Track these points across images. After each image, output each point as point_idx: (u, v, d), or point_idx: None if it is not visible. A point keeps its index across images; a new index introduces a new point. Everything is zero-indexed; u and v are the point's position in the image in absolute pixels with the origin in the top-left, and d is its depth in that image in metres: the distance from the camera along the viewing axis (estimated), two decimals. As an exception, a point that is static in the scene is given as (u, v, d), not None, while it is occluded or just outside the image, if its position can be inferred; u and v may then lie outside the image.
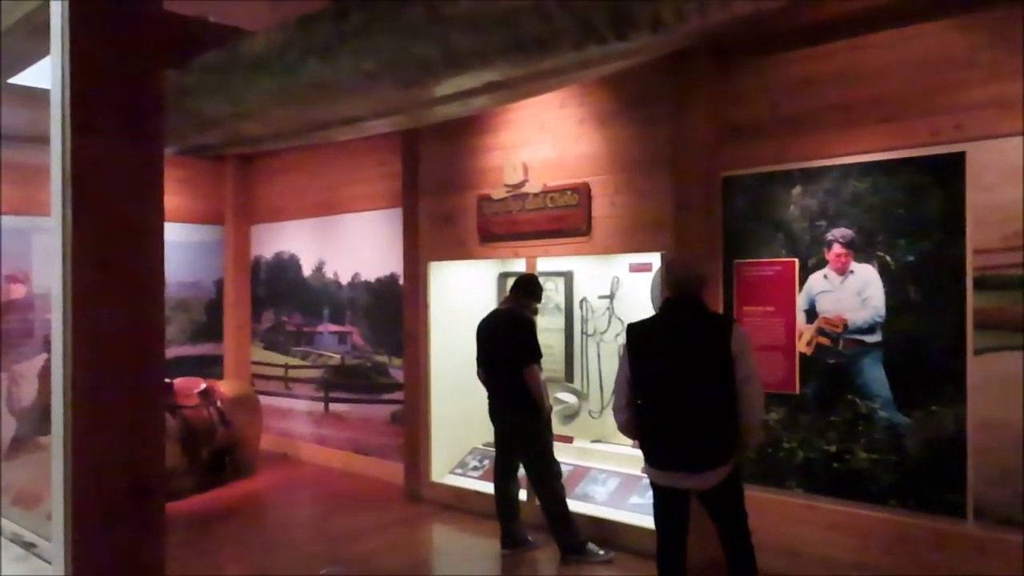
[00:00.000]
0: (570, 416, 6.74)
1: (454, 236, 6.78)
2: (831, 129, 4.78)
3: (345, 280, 8.26)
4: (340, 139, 6.92)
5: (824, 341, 4.81)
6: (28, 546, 2.45)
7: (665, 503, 3.90)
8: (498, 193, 6.39)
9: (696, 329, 3.85)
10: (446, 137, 6.75)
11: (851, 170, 4.71)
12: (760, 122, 5.07)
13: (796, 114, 4.92)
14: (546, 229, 6.08)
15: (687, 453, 3.75)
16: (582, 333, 6.85)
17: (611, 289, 6.65)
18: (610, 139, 5.76)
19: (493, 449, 5.76)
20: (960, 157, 4.32)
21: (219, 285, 9.47)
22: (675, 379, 3.77)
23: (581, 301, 6.85)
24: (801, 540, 4.83)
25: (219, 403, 7.52)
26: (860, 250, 4.67)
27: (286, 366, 8.93)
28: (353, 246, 8.17)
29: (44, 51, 1.92)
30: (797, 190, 4.92)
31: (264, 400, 8.58)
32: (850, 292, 4.70)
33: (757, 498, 4.62)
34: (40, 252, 7.15)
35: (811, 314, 4.87)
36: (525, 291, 5.56)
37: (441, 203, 6.89)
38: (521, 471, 5.59)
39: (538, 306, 5.71)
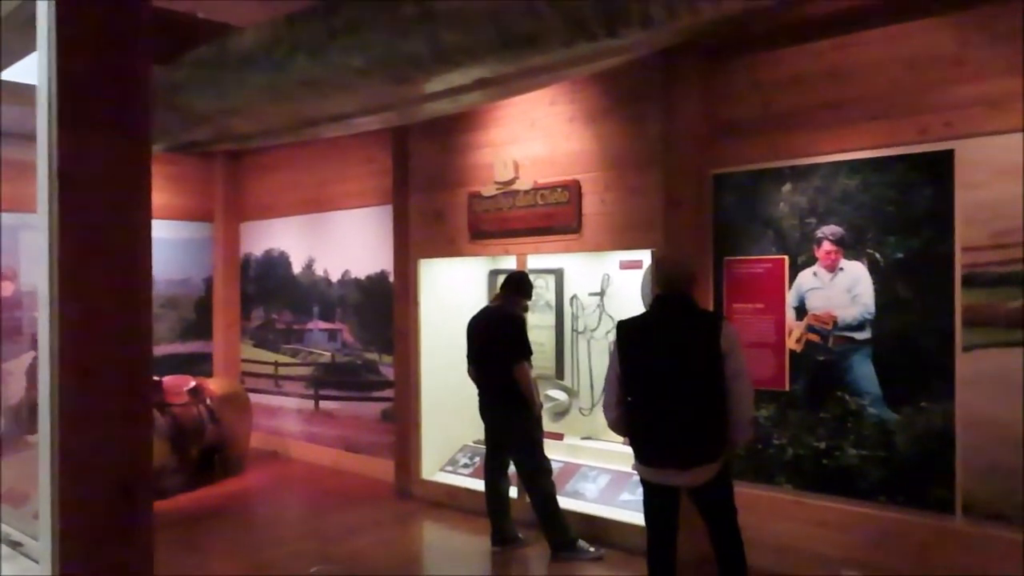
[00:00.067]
0: (561, 413, 6.74)
1: (444, 233, 6.77)
2: (821, 127, 4.79)
3: (335, 277, 8.24)
4: (330, 136, 6.91)
5: (814, 338, 4.83)
6: (15, 545, 2.43)
7: (655, 500, 3.91)
8: (488, 190, 6.38)
9: (686, 326, 3.85)
10: (436, 134, 6.73)
11: (841, 167, 4.72)
12: (750, 119, 5.08)
13: (786, 111, 4.93)
14: (536, 226, 6.08)
15: (677, 450, 3.75)
16: (572, 330, 6.85)
17: (601, 286, 6.66)
18: (601, 136, 5.76)
19: (484, 446, 5.76)
20: (949, 155, 4.33)
21: (208, 283, 9.44)
22: (665, 376, 3.77)
23: (571, 298, 6.85)
24: (790, 536, 4.85)
25: (208, 401, 7.50)
26: (850, 247, 4.68)
27: (276, 364, 8.90)
28: (343, 243, 8.15)
29: (31, 47, 1.91)
30: (787, 187, 4.93)
31: (254, 398, 8.56)
32: (840, 289, 4.72)
33: (747, 494, 4.64)
34: (27, 249, 7.11)
35: (801, 311, 4.88)
36: (515, 288, 5.56)
37: (431, 200, 6.88)
38: (512, 468, 5.59)
39: (528, 303, 5.71)
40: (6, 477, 3.03)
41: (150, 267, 1.96)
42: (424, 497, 6.81)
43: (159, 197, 8.61)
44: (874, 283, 4.59)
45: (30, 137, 1.89)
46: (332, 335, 8.26)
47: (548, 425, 6.04)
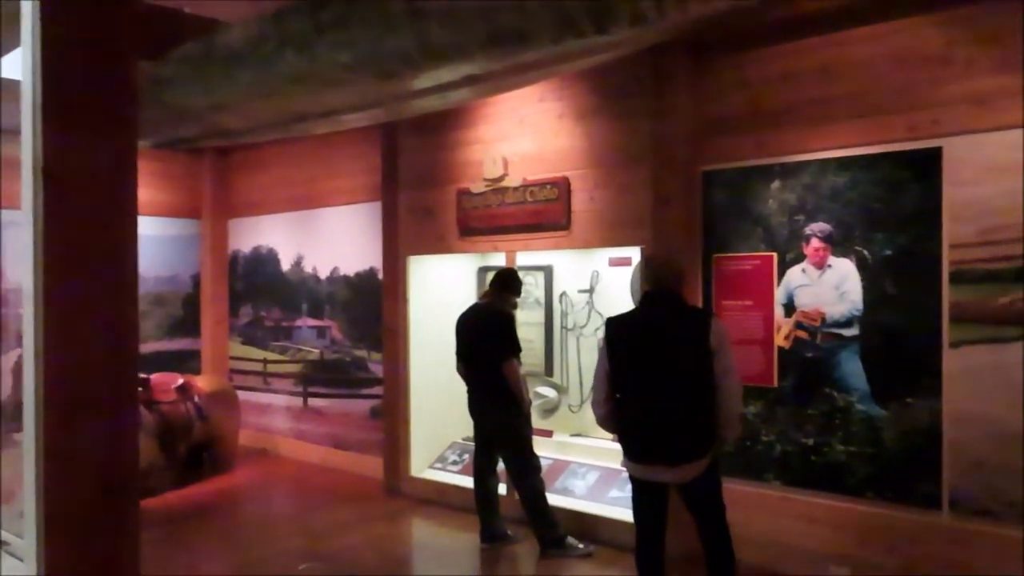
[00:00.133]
0: (550, 410, 6.74)
1: (433, 230, 6.76)
2: (810, 124, 4.80)
3: (324, 274, 8.22)
4: (318, 132, 6.88)
5: (802, 335, 4.85)
6: (0, 544, 2.42)
7: (644, 496, 3.91)
8: (477, 187, 6.37)
9: (675, 323, 3.86)
10: (425, 131, 6.72)
11: (829, 165, 4.74)
12: (739, 117, 5.09)
13: (775, 109, 4.94)
14: (526, 223, 6.07)
15: (666, 447, 3.76)
16: (562, 327, 6.85)
17: (591, 283, 6.66)
18: (590, 133, 5.76)
19: (473, 444, 5.76)
20: (937, 152, 4.35)
21: (196, 280, 9.39)
22: (654, 373, 3.78)
23: (561, 295, 6.85)
24: (779, 532, 4.87)
25: (197, 398, 7.46)
26: (838, 244, 4.70)
27: (264, 361, 8.87)
28: (332, 240, 8.12)
29: (15, 42, 1.89)
30: (776, 184, 4.95)
31: (242, 395, 8.52)
32: (828, 286, 4.73)
33: (735, 491, 4.64)
34: (12, 246, 7.06)
35: (789, 308, 4.90)
36: (505, 285, 5.56)
37: (420, 197, 6.86)
38: (501, 465, 5.59)
39: (518, 300, 5.70)
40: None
41: (136, 264, 1.95)
42: (413, 494, 6.81)
43: (147, 194, 8.59)
44: (862, 280, 4.60)
45: (14, 133, 1.87)
46: (321, 332, 8.24)
47: (537, 422, 6.04)
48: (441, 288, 7.04)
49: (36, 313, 1.78)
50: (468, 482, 5.87)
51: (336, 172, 8.00)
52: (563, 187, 5.84)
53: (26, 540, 1.83)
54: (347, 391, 7.92)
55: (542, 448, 5.89)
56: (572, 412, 6.72)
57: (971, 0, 4.25)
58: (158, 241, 9.00)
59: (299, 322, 8.48)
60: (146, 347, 8.71)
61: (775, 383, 4.93)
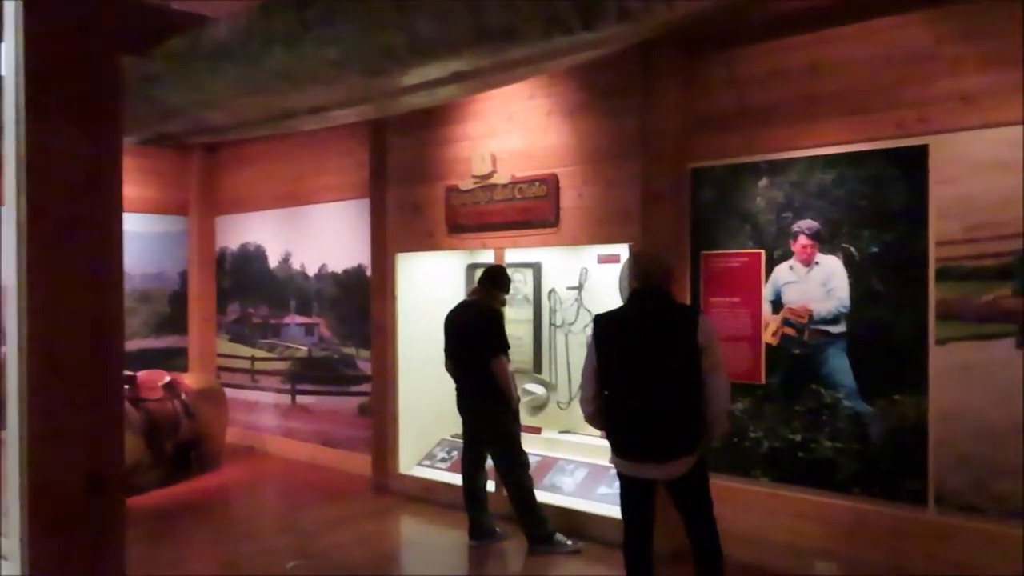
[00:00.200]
0: (538, 407, 6.75)
1: (422, 227, 6.74)
2: (798, 121, 4.82)
3: (312, 271, 8.19)
4: (306, 129, 6.85)
5: (789, 332, 4.86)
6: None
7: (632, 493, 3.92)
8: (466, 184, 6.37)
9: (663, 320, 3.86)
10: (414, 127, 6.70)
11: (817, 162, 4.75)
12: (728, 114, 5.09)
13: (763, 106, 4.95)
14: (514, 220, 6.07)
15: (654, 443, 3.76)
16: (550, 324, 6.86)
17: (579, 280, 6.66)
18: (579, 130, 5.76)
19: (461, 440, 5.75)
20: (923, 150, 4.37)
21: (183, 277, 9.35)
22: (642, 370, 3.78)
23: (549, 292, 6.85)
24: (766, 528, 4.88)
25: (184, 396, 7.43)
26: (825, 241, 4.71)
27: (252, 358, 8.84)
28: (320, 237, 8.10)
29: (-2, 36, 1.87)
30: (764, 182, 4.96)
31: (230, 393, 8.49)
32: (815, 283, 4.75)
33: (723, 487, 4.66)
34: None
35: (777, 305, 4.91)
36: (493, 282, 5.56)
37: (409, 194, 6.85)
38: (489, 462, 5.59)
39: (506, 297, 5.71)
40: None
41: (121, 261, 1.93)
42: (401, 491, 6.80)
43: (133, 190, 8.55)
44: (849, 277, 4.62)
45: (-4, 128, 1.86)
46: (309, 329, 8.21)
47: (526, 419, 6.04)
48: (429, 285, 7.03)
49: (19, 310, 1.76)
50: (456, 479, 5.87)
51: (324, 169, 7.98)
52: (552, 184, 5.83)
53: (10, 539, 1.81)
54: (335, 388, 7.90)
55: (530, 445, 5.90)
56: (560, 409, 6.73)
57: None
58: (145, 238, 8.96)
59: (287, 319, 8.45)
60: (133, 344, 8.67)
61: (763, 380, 4.95)
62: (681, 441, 3.75)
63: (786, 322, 4.87)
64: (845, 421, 4.63)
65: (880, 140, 4.52)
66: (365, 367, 7.49)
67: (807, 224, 4.78)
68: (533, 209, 5.94)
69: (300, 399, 8.27)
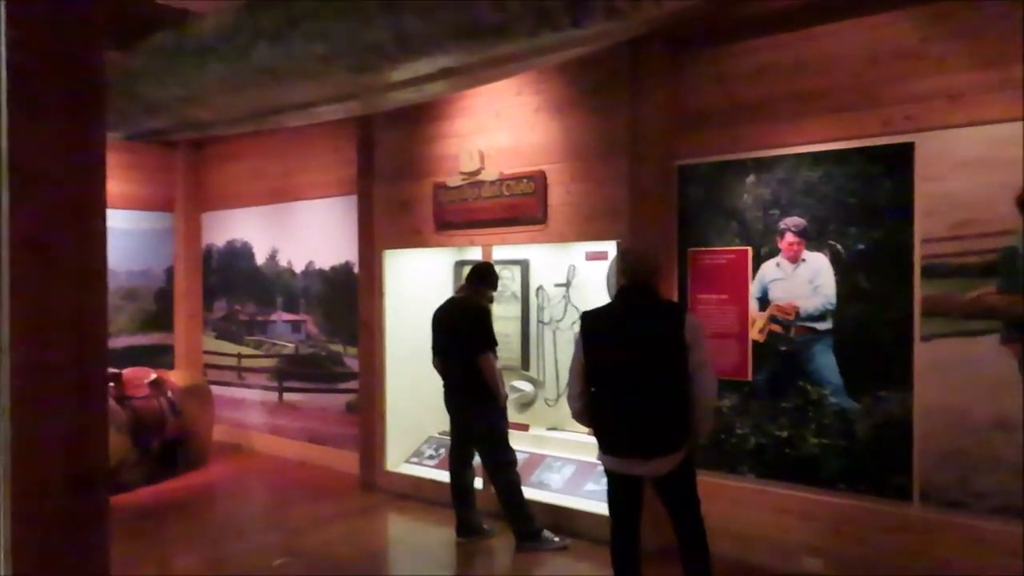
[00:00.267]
0: (526, 404, 6.75)
1: (409, 224, 6.73)
2: (785, 119, 4.83)
3: (299, 268, 8.17)
4: (293, 125, 6.82)
5: (776, 328, 4.88)
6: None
7: (619, 490, 3.93)
8: (454, 181, 6.36)
9: (650, 317, 3.86)
10: (401, 124, 6.68)
11: (804, 159, 4.77)
12: (715, 111, 5.10)
13: (751, 103, 4.96)
14: (502, 217, 6.06)
15: (641, 440, 3.77)
16: (538, 321, 6.86)
17: (567, 277, 6.67)
18: (566, 127, 5.76)
19: (449, 438, 5.75)
20: (909, 147, 4.39)
21: (169, 273, 9.31)
22: (629, 367, 3.78)
23: (537, 289, 6.85)
24: (753, 524, 4.90)
25: (170, 393, 7.39)
26: (812, 239, 4.73)
27: (239, 355, 8.81)
28: (307, 234, 8.07)
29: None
30: (751, 179, 4.97)
31: (216, 390, 8.46)
32: (802, 280, 4.77)
33: (710, 483, 4.67)
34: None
35: (763, 302, 4.93)
36: (481, 279, 5.55)
37: (396, 190, 6.83)
38: (477, 459, 5.59)
39: (494, 294, 5.70)
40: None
41: (105, 257, 1.92)
42: (389, 489, 6.79)
43: (119, 187, 8.49)
44: (835, 274, 4.64)
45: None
46: (296, 326, 8.19)
47: (513, 416, 6.04)
48: (417, 282, 7.02)
49: (2, 305, 1.75)
50: (444, 476, 5.86)
51: (311, 165, 7.95)
52: (540, 181, 5.83)
53: (-8, 538, 1.80)
54: (323, 386, 7.88)
55: (518, 442, 5.90)
56: (548, 406, 6.73)
57: (943, -3, 4.29)
58: (130, 235, 8.90)
59: (274, 316, 8.42)
60: (118, 342, 8.62)
61: (749, 376, 4.97)
62: (668, 438, 3.76)
63: (773, 319, 4.89)
64: (831, 417, 4.65)
65: (866, 138, 4.54)
66: (352, 364, 7.47)
67: (794, 221, 4.80)
68: (521, 206, 5.94)
69: (287, 396, 8.24)
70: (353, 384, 7.41)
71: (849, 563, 4.58)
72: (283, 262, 8.33)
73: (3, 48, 1.75)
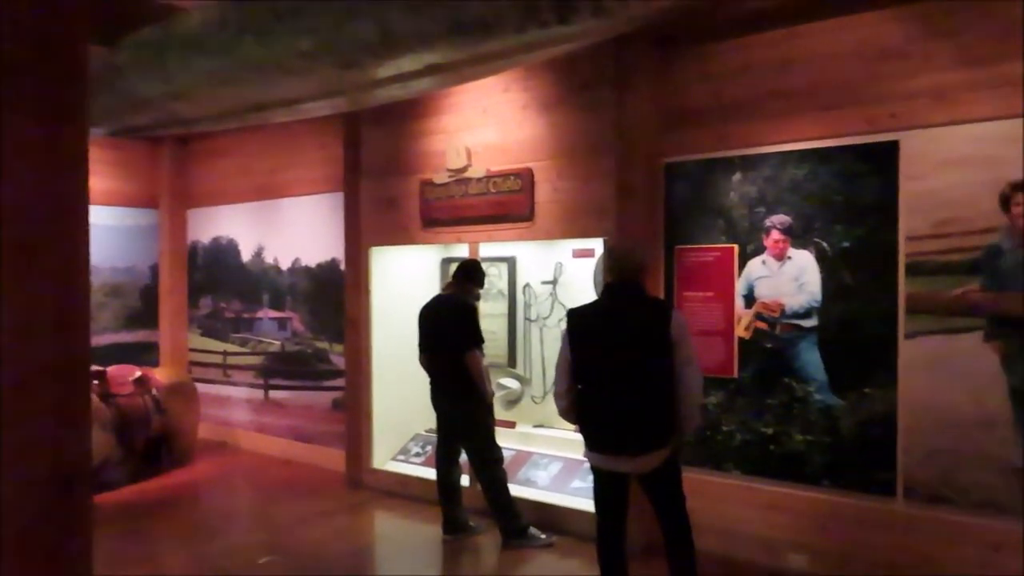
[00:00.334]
0: (513, 401, 6.75)
1: (396, 221, 6.71)
2: (770, 117, 4.85)
3: (285, 265, 8.14)
4: (279, 121, 6.79)
5: (762, 326, 4.90)
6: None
7: (605, 487, 3.93)
8: (441, 178, 6.34)
9: (636, 315, 3.87)
10: (388, 120, 6.67)
11: (789, 157, 4.78)
12: (702, 109, 5.11)
13: (737, 101, 4.97)
14: (489, 214, 6.06)
15: (627, 437, 3.78)
16: (525, 319, 6.86)
17: (554, 275, 6.67)
18: (553, 124, 5.75)
19: (435, 435, 5.74)
20: (894, 146, 4.41)
21: (154, 270, 9.25)
22: (615, 364, 3.79)
23: (524, 287, 6.85)
24: (738, 520, 4.92)
25: (154, 391, 7.35)
26: (797, 236, 4.75)
27: (224, 353, 8.77)
28: (293, 231, 8.04)
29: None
30: (737, 177, 4.98)
31: (202, 388, 8.42)
32: (787, 277, 4.79)
33: (696, 480, 4.70)
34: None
35: (749, 299, 4.94)
36: (468, 276, 5.54)
37: (383, 187, 6.81)
38: (463, 457, 5.58)
39: (481, 291, 5.70)
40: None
41: (87, 254, 1.90)
42: (375, 486, 6.78)
43: (103, 183, 8.44)
44: (821, 272, 4.66)
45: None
46: (282, 324, 8.16)
47: (500, 413, 6.04)
48: (404, 279, 7.01)
49: (-18, 304, 1.73)
50: (431, 474, 5.86)
51: (297, 162, 7.92)
52: (527, 178, 5.83)
53: (-27, 537, 1.78)
54: (309, 383, 7.86)
55: (505, 439, 5.90)
56: (535, 403, 6.74)
57: (928, -4, 4.31)
58: (115, 231, 8.85)
59: (260, 314, 8.39)
60: (103, 339, 8.57)
61: (735, 373, 4.98)
62: (654, 435, 3.77)
63: (758, 316, 4.91)
64: (816, 414, 4.67)
65: (851, 136, 4.56)
66: (339, 362, 7.45)
67: (779, 219, 4.82)
68: (508, 203, 5.94)
69: (273, 394, 8.21)
70: (339, 381, 7.39)
71: (834, 559, 4.60)
72: (269, 259, 8.29)
73: (-16, 42, 1.73)
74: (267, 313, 8.31)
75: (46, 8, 1.81)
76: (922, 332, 4.31)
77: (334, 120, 7.01)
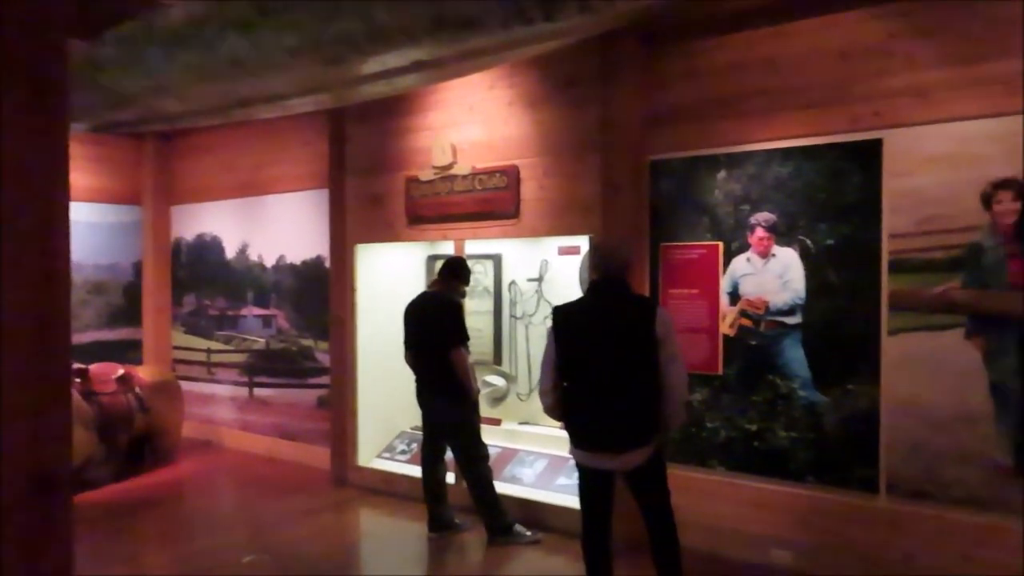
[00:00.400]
0: (498, 399, 6.75)
1: (382, 218, 6.69)
2: (755, 114, 4.86)
3: (270, 263, 8.10)
4: (264, 117, 6.76)
5: (746, 323, 4.91)
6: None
7: (590, 484, 3.93)
8: (426, 175, 6.33)
9: (621, 312, 3.87)
10: (373, 117, 6.64)
11: (774, 155, 4.80)
12: (686, 106, 5.12)
13: (722, 99, 4.98)
14: (475, 211, 6.05)
15: (612, 434, 3.78)
16: (511, 316, 6.86)
17: (540, 272, 6.67)
18: (539, 121, 5.75)
19: (421, 433, 5.73)
20: (877, 144, 4.44)
21: (138, 267, 9.19)
22: (600, 361, 3.79)
23: (510, 284, 6.85)
24: (722, 517, 4.94)
25: (138, 389, 7.31)
26: (782, 234, 4.77)
27: (208, 351, 8.72)
28: (278, 228, 8.00)
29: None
30: (722, 174, 5.00)
31: (186, 386, 8.38)
32: (772, 275, 4.80)
33: (680, 476, 4.71)
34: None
35: (734, 296, 4.96)
36: (453, 274, 5.53)
37: (368, 184, 6.79)
38: (449, 454, 5.58)
39: (466, 289, 5.69)
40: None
41: (68, 252, 1.88)
42: (361, 484, 6.76)
43: (85, 179, 8.37)
44: (805, 269, 4.68)
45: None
46: (267, 321, 8.12)
47: (486, 410, 6.04)
48: (389, 277, 6.99)
49: (-39, 302, 1.71)
50: (416, 471, 5.85)
51: (282, 158, 7.88)
52: (512, 175, 5.82)
53: (-48, 537, 1.76)
54: (293, 381, 7.83)
55: (490, 436, 5.90)
56: (520, 400, 6.74)
57: (911, -5, 4.34)
58: (97, 228, 8.78)
59: (244, 311, 8.35)
60: (85, 336, 8.51)
61: (720, 370, 5.00)
62: (638, 432, 3.78)
63: (743, 313, 4.92)
64: (800, 411, 4.69)
65: (835, 134, 4.58)
66: (324, 359, 7.43)
67: (764, 216, 4.83)
68: (493, 200, 5.93)
69: (258, 392, 8.18)
70: (324, 379, 7.37)
71: (817, 554, 4.63)
72: (253, 256, 8.25)
73: (-38, 37, 1.71)
74: (251, 310, 8.27)
75: (27, 2, 1.79)
76: (905, 329, 4.34)
77: (319, 116, 6.98)
